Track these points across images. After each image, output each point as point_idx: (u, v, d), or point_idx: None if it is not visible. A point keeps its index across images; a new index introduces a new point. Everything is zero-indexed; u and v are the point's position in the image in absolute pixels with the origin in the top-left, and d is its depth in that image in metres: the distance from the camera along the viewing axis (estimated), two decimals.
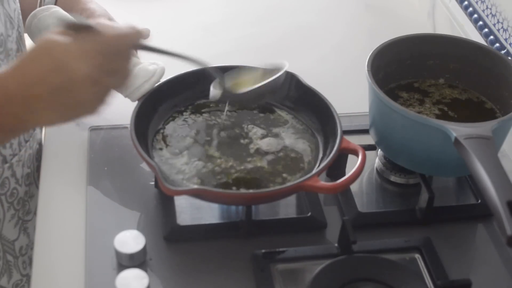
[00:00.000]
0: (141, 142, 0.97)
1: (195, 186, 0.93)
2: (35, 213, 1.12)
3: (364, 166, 0.95)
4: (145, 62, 1.06)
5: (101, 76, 0.83)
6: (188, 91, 1.09)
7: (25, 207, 1.10)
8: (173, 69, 1.08)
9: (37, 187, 1.12)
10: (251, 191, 0.95)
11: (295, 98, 1.09)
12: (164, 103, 1.06)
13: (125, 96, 1.04)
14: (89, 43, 0.83)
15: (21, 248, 1.12)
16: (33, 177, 1.12)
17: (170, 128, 1.05)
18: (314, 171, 0.96)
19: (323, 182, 0.93)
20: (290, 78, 1.08)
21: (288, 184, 0.95)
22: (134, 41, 0.90)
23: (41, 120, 0.85)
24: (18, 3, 1.07)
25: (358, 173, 0.94)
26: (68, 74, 0.80)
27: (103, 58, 0.83)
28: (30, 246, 1.14)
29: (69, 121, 0.86)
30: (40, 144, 1.14)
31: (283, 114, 1.09)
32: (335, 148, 0.98)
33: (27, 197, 1.11)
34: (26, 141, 1.08)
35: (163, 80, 1.06)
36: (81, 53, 0.81)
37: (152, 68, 1.06)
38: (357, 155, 0.96)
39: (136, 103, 1.03)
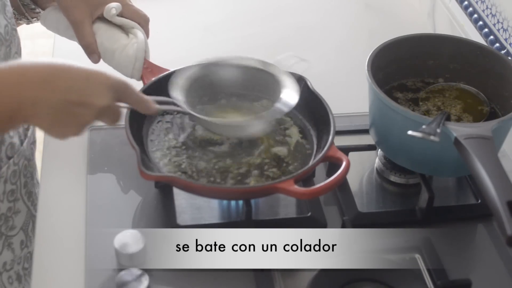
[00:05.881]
0: (138, 142, 0.98)
1: (168, 174, 0.95)
2: (21, 229, 1.11)
3: (344, 177, 0.93)
4: (121, 37, 1.08)
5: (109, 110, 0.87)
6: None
7: (8, 223, 1.08)
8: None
9: (24, 203, 1.11)
10: (221, 186, 0.96)
11: (298, 100, 1.08)
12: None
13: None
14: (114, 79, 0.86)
15: (5, 264, 1.10)
16: (20, 193, 1.10)
17: (164, 126, 1.05)
18: (291, 175, 0.94)
19: (296, 187, 0.92)
20: (299, 82, 1.07)
21: (262, 184, 0.96)
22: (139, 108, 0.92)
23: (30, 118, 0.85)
24: (13, 19, 1.05)
25: (334, 183, 0.92)
26: (89, 98, 0.83)
27: (117, 96, 0.87)
28: (16, 261, 1.12)
29: (52, 132, 0.87)
30: (29, 160, 1.12)
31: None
32: (318, 157, 0.97)
33: (10, 213, 1.09)
34: (9, 158, 1.06)
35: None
36: (107, 84, 0.85)
37: (133, 52, 1.07)
38: (340, 164, 0.94)
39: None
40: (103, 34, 1.09)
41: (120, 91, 0.87)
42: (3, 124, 0.84)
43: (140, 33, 1.09)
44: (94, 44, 1.09)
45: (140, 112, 0.93)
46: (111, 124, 0.89)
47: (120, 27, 1.10)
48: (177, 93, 0.98)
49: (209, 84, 1.04)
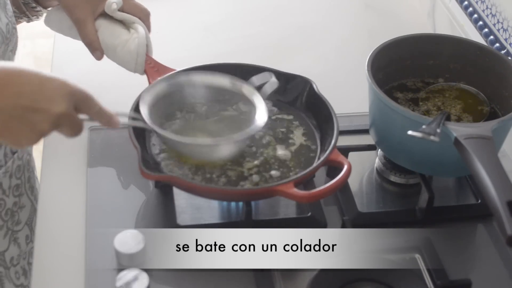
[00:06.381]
0: (140, 141, 0.98)
1: (168, 174, 0.95)
2: (26, 224, 1.11)
3: (345, 181, 0.93)
4: (122, 32, 1.09)
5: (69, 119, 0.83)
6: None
7: (14, 218, 1.09)
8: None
9: (28, 197, 1.11)
10: (222, 187, 0.96)
11: (303, 102, 1.08)
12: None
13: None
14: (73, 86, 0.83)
15: (12, 259, 1.10)
16: (24, 188, 1.10)
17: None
18: (291, 178, 0.95)
19: (296, 190, 0.92)
20: (305, 84, 1.07)
21: (261, 186, 0.96)
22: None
23: None
24: (13, 18, 1.05)
25: (335, 187, 0.92)
26: (42, 103, 0.80)
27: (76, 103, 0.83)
28: (22, 256, 1.12)
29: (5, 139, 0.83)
30: (30, 155, 1.13)
31: (284, 116, 1.08)
32: (320, 161, 0.97)
33: (16, 208, 1.09)
34: (14, 153, 1.07)
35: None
36: (65, 92, 0.82)
37: (134, 47, 1.08)
38: (342, 168, 0.94)
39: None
40: (105, 30, 1.09)
41: (80, 100, 0.83)
42: None
43: (141, 28, 1.09)
44: (96, 42, 1.09)
45: (101, 125, 0.88)
46: (71, 135, 0.85)
47: (122, 22, 1.11)
48: (145, 109, 0.96)
49: (178, 102, 1.03)
